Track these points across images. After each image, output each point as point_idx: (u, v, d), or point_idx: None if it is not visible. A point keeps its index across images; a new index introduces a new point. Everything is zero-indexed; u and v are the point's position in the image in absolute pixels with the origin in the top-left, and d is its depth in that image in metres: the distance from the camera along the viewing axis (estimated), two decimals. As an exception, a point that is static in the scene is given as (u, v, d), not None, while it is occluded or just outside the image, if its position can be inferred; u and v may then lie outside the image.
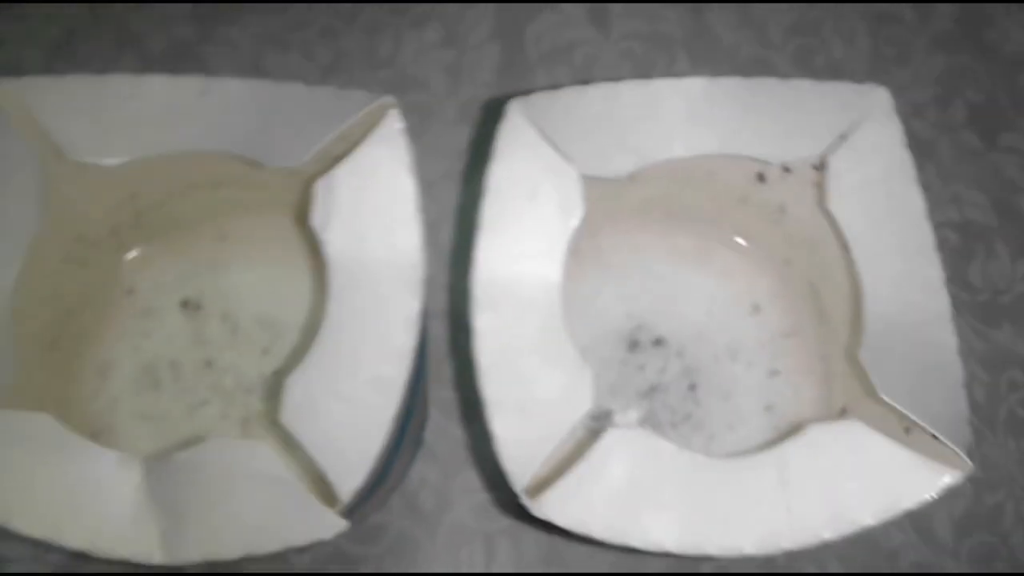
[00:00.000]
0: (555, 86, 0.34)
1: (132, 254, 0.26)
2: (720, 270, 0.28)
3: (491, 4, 0.35)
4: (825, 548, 0.29)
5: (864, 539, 0.29)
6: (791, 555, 0.29)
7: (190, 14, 0.34)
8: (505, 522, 0.29)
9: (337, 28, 0.34)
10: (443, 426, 0.30)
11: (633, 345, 0.27)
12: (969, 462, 0.20)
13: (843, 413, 0.24)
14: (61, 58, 0.34)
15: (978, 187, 0.34)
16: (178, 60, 0.34)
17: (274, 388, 0.23)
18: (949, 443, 0.20)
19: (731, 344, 0.27)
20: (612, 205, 0.26)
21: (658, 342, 0.27)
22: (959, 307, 0.33)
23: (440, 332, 0.31)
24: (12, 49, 0.34)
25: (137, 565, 0.18)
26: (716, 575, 0.29)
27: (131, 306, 0.25)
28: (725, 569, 0.29)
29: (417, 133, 0.34)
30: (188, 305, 0.26)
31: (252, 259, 0.26)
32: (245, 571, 0.27)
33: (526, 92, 0.34)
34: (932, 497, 0.20)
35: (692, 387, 0.27)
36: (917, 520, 0.30)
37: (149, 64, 0.34)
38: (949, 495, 0.30)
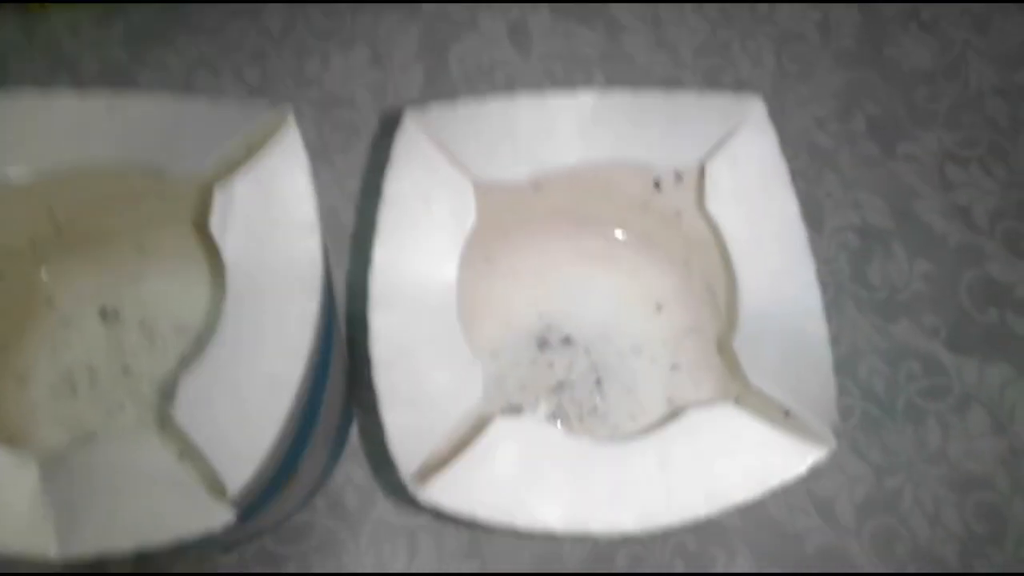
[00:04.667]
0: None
1: (51, 266, 0.27)
2: (625, 272, 0.29)
3: (416, 26, 0.37)
4: (731, 533, 0.30)
5: (770, 524, 0.31)
6: (701, 540, 0.30)
7: (123, 38, 0.36)
8: (427, 518, 0.30)
9: (266, 51, 0.36)
10: (367, 427, 0.31)
11: (543, 344, 0.28)
12: (833, 439, 0.21)
13: (736, 402, 0.26)
14: (-6, 80, 0.35)
15: (877, 193, 0.37)
16: (111, 82, 0.35)
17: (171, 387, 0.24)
18: (817, 423, 0.22)
19: (635, 341, 0.28)
20: (522, 214, 0.28)
21: (566, 340, 0.28)
22: (860, 305, 0.35)
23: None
24: (-55, 72, 0.35)
25: (44, 563, 0.18)
26: (631, 575, 0.30)
27: (50, 316, 0.26)
28: (639, 560, 0.30)
29: (343, 149, 0.35)
30: (107, 315, 0.26)
31: (169, 269, 0.27)
32: (170, 571, 0.28)
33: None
34: (800, 473, 0.21)
35: (598, 382, 0.28)
36: (821, 505, 0.31)
37: (83, 86, 0.35)
38: (851, 480, 0.32)
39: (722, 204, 0.24)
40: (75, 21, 0.36)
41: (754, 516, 0.30)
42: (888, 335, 0.34)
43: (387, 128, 0.35)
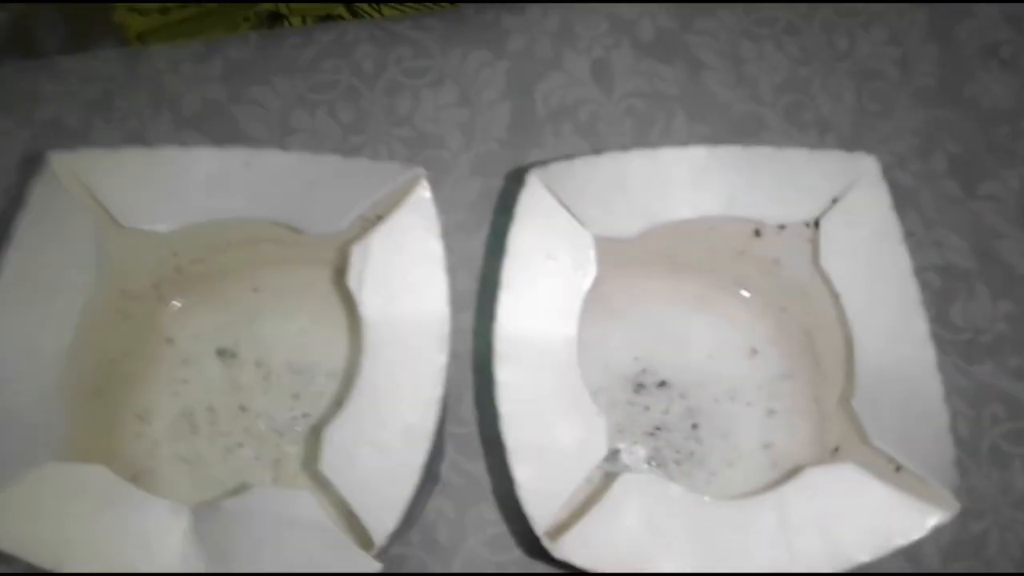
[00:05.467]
0: (561, 141, 0.36)
1: (172, 306, 0.28)
2: (720, 316, 0.30)
3: (502, 65, 0.37)
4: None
5: (856, 567, 0.31)
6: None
7: (222, 74, 0.37)
8: (517, 553, 0.30)
9: (359, 89, 0.37)
10: (459, 462, 0.32)
11: (639, 387, 0.29)
12: (956, 503, 0.22)
13: (836, 452, 0.26)
14: (99, 116, 0.36)
15: (959, 233, 0.37)
16: (210, 118, 0.36)
17: (311, 436, 0.25)
18: (938, 485, 0.22)
19: (731, 385, 0.29)
20: (619, 257, 0.29)
21: (662, 384, 0.29)
22: (942, 346, 0.34)
23: (456, 373, 0.33)
24: (52, 107, 0.36)
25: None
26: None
27: (171, 355, 0.27)
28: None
29: (434, 186, 0.36)
30: (224, 353, 0.27)
31: (283, 309, 0.28)
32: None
33: (535, 147, 0.36)
34: (922, 535, 0.22)
35: (694, 426, 0.28)
36: (907, 548, 0.31)
37: (183, 122, 0.36)
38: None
39: (837, 261, 0.24)
40: (175, 58, 0.37)
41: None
42: (971, 377, 0.34)
43: (477, 168, 0.36)
